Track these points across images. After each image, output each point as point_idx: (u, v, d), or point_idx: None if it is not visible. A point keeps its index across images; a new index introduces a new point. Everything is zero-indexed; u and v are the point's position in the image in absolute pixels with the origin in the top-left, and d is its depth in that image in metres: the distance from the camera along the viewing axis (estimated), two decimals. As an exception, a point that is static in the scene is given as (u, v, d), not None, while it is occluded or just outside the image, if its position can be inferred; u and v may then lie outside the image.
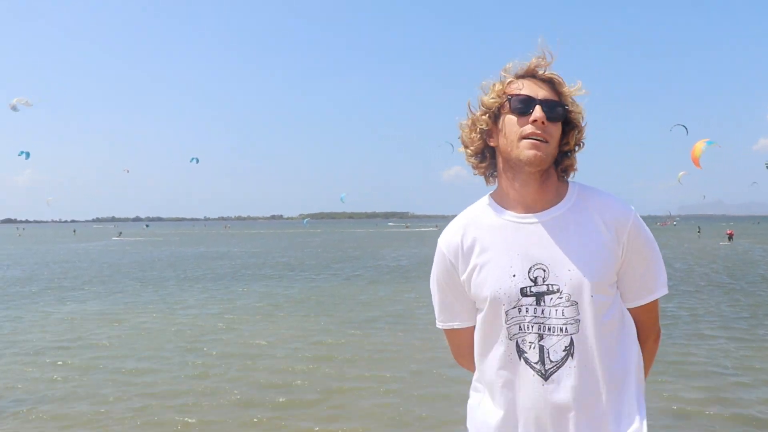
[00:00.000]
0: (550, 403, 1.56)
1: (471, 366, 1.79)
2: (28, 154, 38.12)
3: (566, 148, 1.62)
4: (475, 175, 1.71)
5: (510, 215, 1.64)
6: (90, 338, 10.57)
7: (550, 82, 1.59)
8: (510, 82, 1.60)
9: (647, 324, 1.70)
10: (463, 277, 1.67)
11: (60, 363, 8.78)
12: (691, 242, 48.61)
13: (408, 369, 8.22)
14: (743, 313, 12.66)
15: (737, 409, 6.50)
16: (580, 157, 1.67)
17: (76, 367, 8.52)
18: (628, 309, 1.66)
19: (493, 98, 1.60)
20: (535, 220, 1.61)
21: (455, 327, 1.77)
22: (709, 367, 8.20)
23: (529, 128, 1.54)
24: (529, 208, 1.62)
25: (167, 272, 24.22)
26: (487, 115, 1.61)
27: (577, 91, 1.61)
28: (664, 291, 1.67)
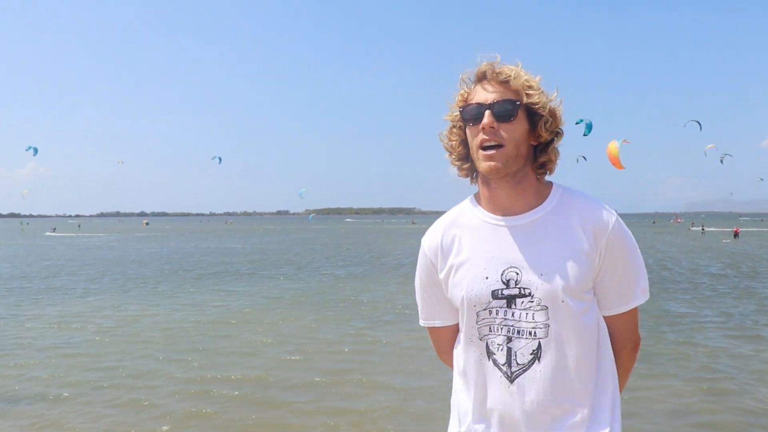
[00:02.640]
0: (515, 405, 1.56)
1: (451, 363, 1.80)
2: (36, 150, 38.25)
3: (540, 140, 1.57)
4: (458, 176, 1.69)
5: (488, 217, 1.63)
6: (78, 336, 10.62)
7: (501, 79, 1.55)
8: (466, 93, 1.60)
9: (623, 333, 1.67)
10: (441, 276, 1.68)
11: (52, 360, 8.81)
12: (696, 240, 48.33)
13: (411, 365, 8.24)
14: (747, 309, 12.61)
15: (738, 406, 6.48)
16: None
17: (65, 364, 8.55)
18: (603, 317, 1.63)
19: (453, 112, 1.62)
20: (512, 223, 1.60)
21: (436, 325, 1.78)
22: (711, 364, 8.18)
23: (481, 136, 1.53)
24: (507, 211, 1.61)
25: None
26: (456, 127, 1.63)
27: (532, 82, 1.55)
28: (643, 299, 1.64)
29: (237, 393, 7.01)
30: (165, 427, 5.95)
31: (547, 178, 1.66)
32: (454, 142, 1.65)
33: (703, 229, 64.65)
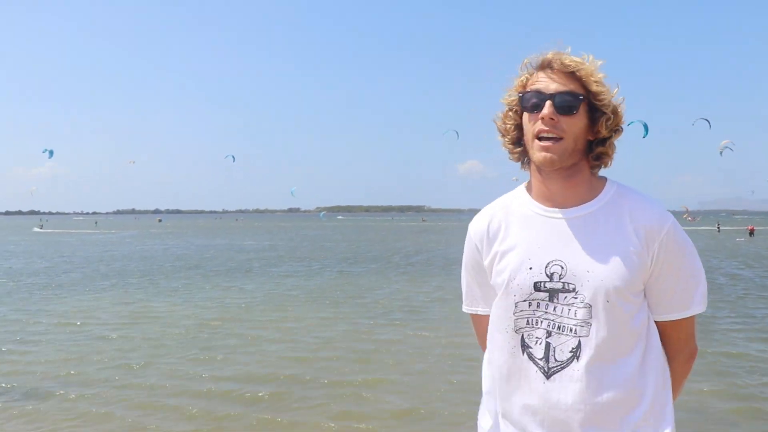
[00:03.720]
0: (549, 402, 1.51)
1: None
2: (51, 153, 38.60)
3: (598, 136, 1.53)
4: (510, 159, 1.65)
5: (538, 207, 1.59)
6: (96, 329, 10.65)
7: (568, 71, 1.50)
8: (526, 77, 1.55)
9: (675, 341, 1.60)
10: (486, 262, 1.65)
11: (65, 352, 8.85)
12: (710, 238, 47.87)
13: (422, 363, 8.17)
14: (764, 307, 12.45)
15: (754, 405, 6.40)
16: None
17: (78, 357, 8.55)
18: (655, 322, 1.57)
19: (510, 96, 1.59)
20: (561, 216, 1.55)
21: (479, 312, 1.76)
22: (728, 361, 8.05)
23: (539, 125, 1.49)
24: (557, 203, 1.57)
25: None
26: (512, 111, 1.59)
27: (600, 79, 1.50)
28: (700, 309, 1.57)
29: (243, 393, 6.95)
30: (173, 417, 5.93)
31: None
32: (509, 126, 1.61)
33: (718, 228, 63.78)
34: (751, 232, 49.28)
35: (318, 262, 25.43)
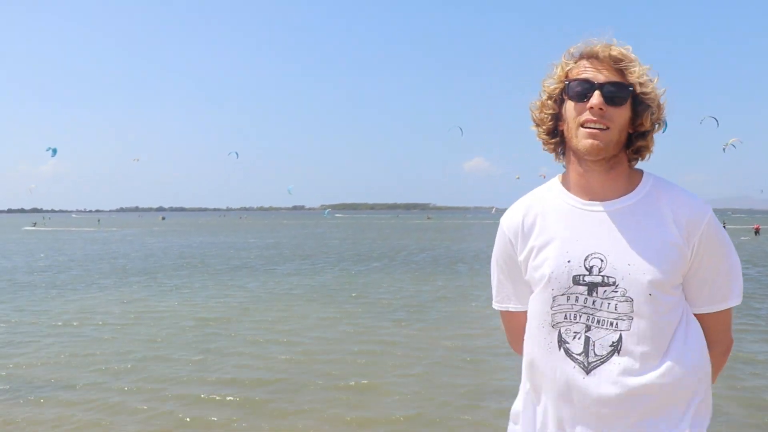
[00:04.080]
0: (588, 398, 1.48)
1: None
2: (54, 151, 38.52)
3: (641, 129, 1.51)
4: (544, 150, 1.64)
5: (575, 200, 1.57)
6: (99, 325, 10.55)
7: (615, 62, 1.49)
8: (570, 65, 1.53)
9: (713, 333, 1.58)
10: (521, 257, 1.62)
11: (70, 347, 8.77)
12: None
13: (423, 365, 8.02)
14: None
15: (756, 401, 6.34)
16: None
17: (84, 352, 8.46)
18: (694, 314, 1.56)
19: (553, 83, 1.56)
20: (601, 208, 1.53)
21: (510, 309, 1.73)
22: (731, 363, 7.91)
23: (586, 115, 1.47)
24: (595, 195, 1.54)
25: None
26: (552, 99, 1.57)
27: (647, 69, 1.49)
28: (737, 301, 1.56)
29: (238, 396, 6.81)
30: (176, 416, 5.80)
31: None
32: (545, 116, 1.59)
33: (724, 225, 63.15)
34: (757, 231, 48.91)
35: (321, 261, 25.30)
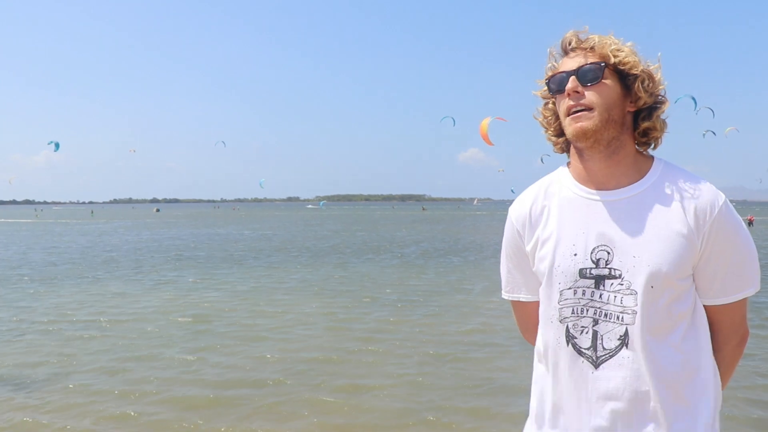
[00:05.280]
0: (597, 392, 1.47)
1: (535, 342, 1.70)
2: (57, 145, 37.98)
3: (639, 104, 1.48)
4: (554, 152, 1.64)
5: (582, 190, 1.54)
6: (96, 318, 10.25)
7: (587, 47, 1.49)
8: (552, 66, 1.56)
9: (728, 325, 1.55)
10: (528, 248, 1.62)
11: (67, 340, 8.59)
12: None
13: (413, 363, 7.76)
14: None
15: (754, 396, 6.21)
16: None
17: (81, 346, 8.21)
18: (705, 306, 1.52)
19: (540, 87, 1.60)
20: (607, 198, 1.50)
21: (521, 299, 1.71)
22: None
23: (567, 102, 1.48)
24: (602, 185, 1.52)
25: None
26: (546, 103, 1.61)
27: (616, 42, 1.48)
28: (753, 290, 1.51)
29: (219, 397, 6.50)
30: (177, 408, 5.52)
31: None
32: (549, 118, 1.61)
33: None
34: (751, 222, 48.96)
35: (312, 253, 24.98)
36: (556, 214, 1.55)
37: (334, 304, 12.20)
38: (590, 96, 1.45)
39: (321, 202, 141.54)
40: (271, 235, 39.62)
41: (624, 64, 1.45)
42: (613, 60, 1.45)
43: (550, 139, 1.62)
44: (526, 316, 1.72)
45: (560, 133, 1.58)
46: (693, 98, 23.92)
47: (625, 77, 1.47)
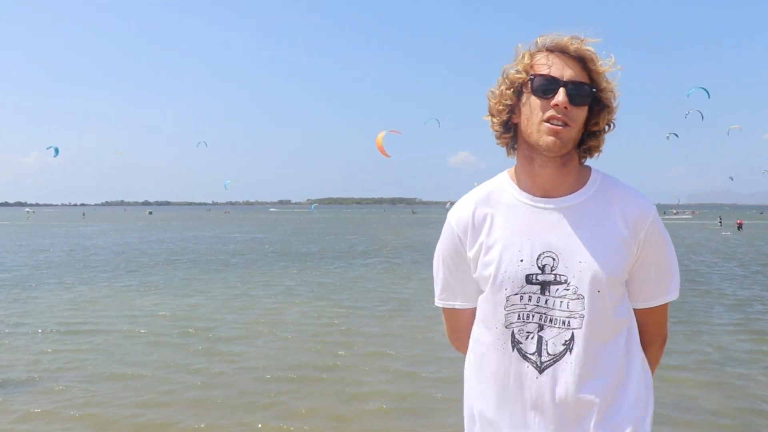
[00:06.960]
0: (542, 397, 1.49)
1: (465, 350, 1.69)
2: (57, 150, 37.74)
3: (595, 128, 1.52)
4: (497, 144, 1.61)
5: (526, 197, 1.56)
6: (86, 322, 10.25)
7: (581, 60, 1.48)
8: (537, 56, 1.50)
9: (653, 327, 1.63)
10: (470, 253, 1.59)
11: (62, 344, 8.66)
12: (696, 231, 47.93)
13: (409, 352, 7.85)
14: (756, 303, 12.23)
15: (740, 398, 6.37)
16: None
17: (78, 348, 8.22)
18: (634, 310, 1.59)
19: (517, 72, 1.51)
20: (552, 206, 1.53)
21: (456, 307, 1.69)
22: (714, 356, 8.00)
23: (551, 112, 1.46)
24: (547, 192, 1.54)
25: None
26: (511, 90, 1.52)
27: (611, 68, 1.49)
28: (675, 295, 1.60)
29: (224, 393, 6.59)
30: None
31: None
32: (502, 107, 1.54)
33: (720, 222, 62.42)
34: (740, 226, 49.27)
35: (302, 256, 25.03)
36: (502, 221, 1.55)
37: (323, 308, 12.24)
38: (573, 113, 1.45)
39: (313, 206, 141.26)
40: (262, 238, 39.59)
41: (605, 96, 1.49)
42: (601, 86, 1.48)
43: (494, 129, 1.58)
44: (459, 323, 1.71)
45: (505, 124, 1.56)
46: (705, 89, 24.50)
47: (596, 102, 1.49)
